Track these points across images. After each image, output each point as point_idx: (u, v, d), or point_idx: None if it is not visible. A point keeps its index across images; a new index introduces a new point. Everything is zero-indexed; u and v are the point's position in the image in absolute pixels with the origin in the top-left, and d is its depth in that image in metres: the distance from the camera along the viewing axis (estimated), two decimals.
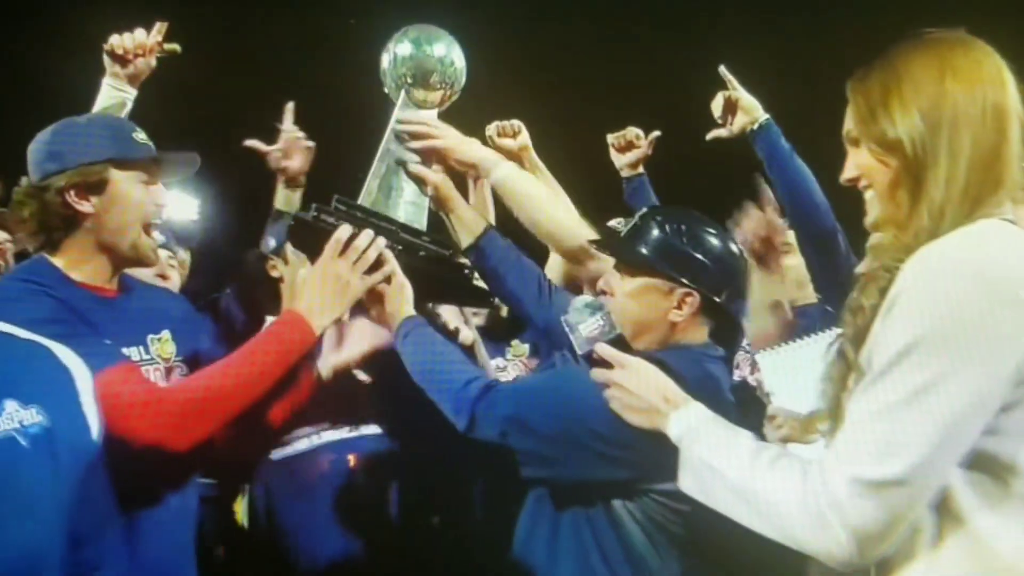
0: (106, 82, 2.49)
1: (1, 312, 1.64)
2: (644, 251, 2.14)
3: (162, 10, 2.66)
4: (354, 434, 2.86)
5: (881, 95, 1.53)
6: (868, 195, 1.59)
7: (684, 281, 2.10)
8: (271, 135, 2.81)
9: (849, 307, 1.53)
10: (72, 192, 2.02)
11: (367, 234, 2.21)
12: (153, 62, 2.52)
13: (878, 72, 1.55)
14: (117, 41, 2.48)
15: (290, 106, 2.82)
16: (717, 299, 2.11)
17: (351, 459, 2.81)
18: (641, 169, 3.28)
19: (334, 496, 2.75)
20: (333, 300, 2.15)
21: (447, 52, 2.55)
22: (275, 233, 2.68)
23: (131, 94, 2.49)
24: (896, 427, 1.40)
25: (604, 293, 2.18)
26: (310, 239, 2.24)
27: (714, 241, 2.15)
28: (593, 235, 2.49)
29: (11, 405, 1.45)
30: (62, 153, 2.03)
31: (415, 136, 2.46)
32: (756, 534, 1.57)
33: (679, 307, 2.11)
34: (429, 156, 2.47)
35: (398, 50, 2.53)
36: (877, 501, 1.41)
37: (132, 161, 2.07)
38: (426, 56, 2.51)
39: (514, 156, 2.83)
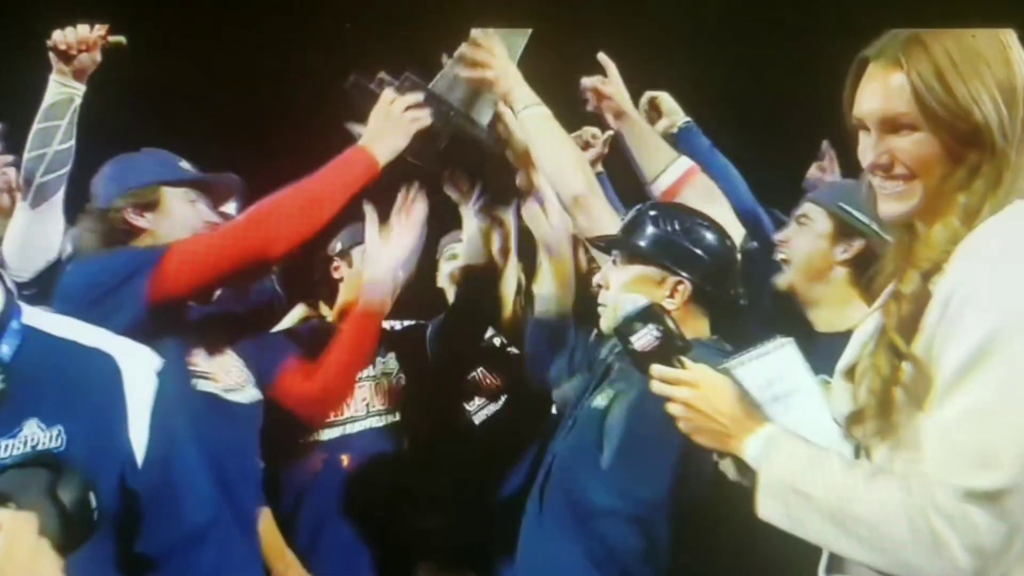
0: (53, 79, 2.57)
1: (99, 319, 1.79)
2: (639, 243, 2.21)
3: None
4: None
5: (953, 73, 1.38)
6: (900, 187, 1.44)
7: (674, 269, 2.16)
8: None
9: (890, 294, 1.46)
10: (130, 210, 2.35)
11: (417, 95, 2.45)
12: (98, 56, 2.57)
13: (938, 46, 1.40)
14: (60, 37, 2.56)
15: None
16: (708, 287, 2.17)
17: (344, 458, 2.82)
18: (600, 168, 3.24)
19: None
20: (391, 132, 2.40)
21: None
22: (343, 237, 2.89)
23: (79, 90, 2.56)
24: (993, 428, 1.32)
25: (600, 287, 2.25)
26: (368, 101, 2.44)
27: (706, 234, 2.22)
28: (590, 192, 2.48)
29: (31, 426, 1.49)
30: (120, 178, 2.39)
31: (474, 63, 2.49)
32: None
33: (671, 295, 2.15)
34: (480, 84, 2.53)
35: None
36: (991, 511, 1.31)
37: (178, 182, 2.40)
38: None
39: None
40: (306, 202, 2.29)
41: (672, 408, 1.63)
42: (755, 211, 2.71)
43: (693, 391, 1.61)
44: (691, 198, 2.44)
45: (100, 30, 2.58)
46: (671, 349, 1.68)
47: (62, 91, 2.54)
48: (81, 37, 2.53)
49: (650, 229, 2.20)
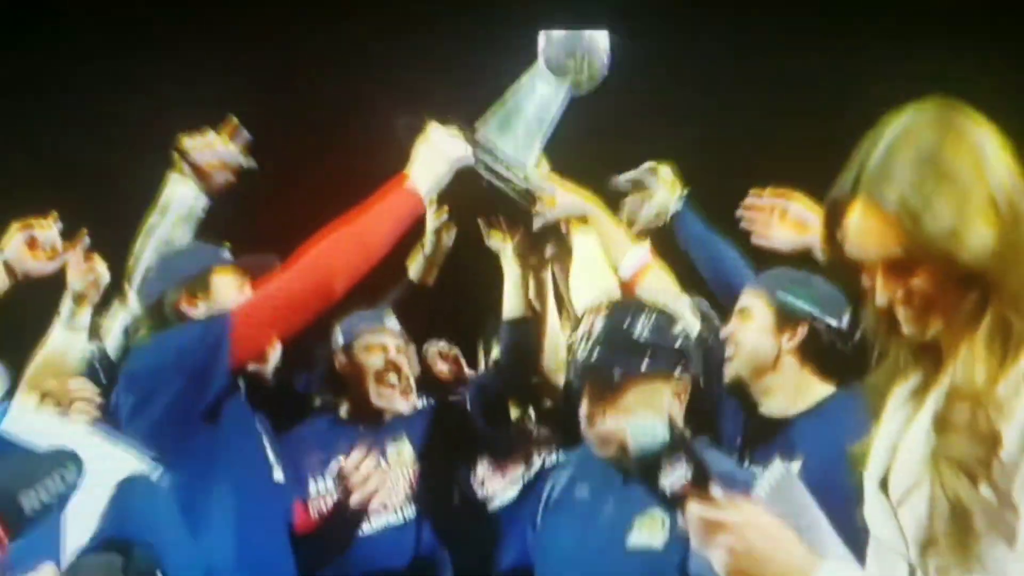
0: (180, 183, 2.62)
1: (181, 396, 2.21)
2: (635, 358, 2.05)
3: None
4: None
5: (922, 204, 1.24)
6: (917, 315, 1.32)
7: (674, 371, 2.07)
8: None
9: (934, 417, 1.29)
10: (184, 300, 2.37)
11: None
12: (232, 177, 2.64)
13: (902, 177, 1.26)
14: (193, 147, 2.61)
15: None
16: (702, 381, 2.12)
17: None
18: None
19: None
20: (435, 165, 2.43)
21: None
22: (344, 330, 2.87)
23: (204, 203, 2.63)
24: None
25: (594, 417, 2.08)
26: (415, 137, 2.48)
27: (678, 324, 2.12)
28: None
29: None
30: (170, 271, 2.44)
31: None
32: None
33: (679, 398, 2.08)
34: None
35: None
36: None
37: (224, 267, 2.43)
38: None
39: None
40: (360, 243, 2.32)
41: (716, 555, 1.37)
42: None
43: (740, 534, 1.35)
44: (647, 290, 2.45)
45: (235, 146, 2.64)
46: (703, 483, 1.41)
47: (189, 203, 2.61)
48: (219, 158, 2.60)
49: (634, 338, 2.07)
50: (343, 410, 2.87)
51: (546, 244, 2.73)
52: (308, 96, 4.35)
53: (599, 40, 2.67)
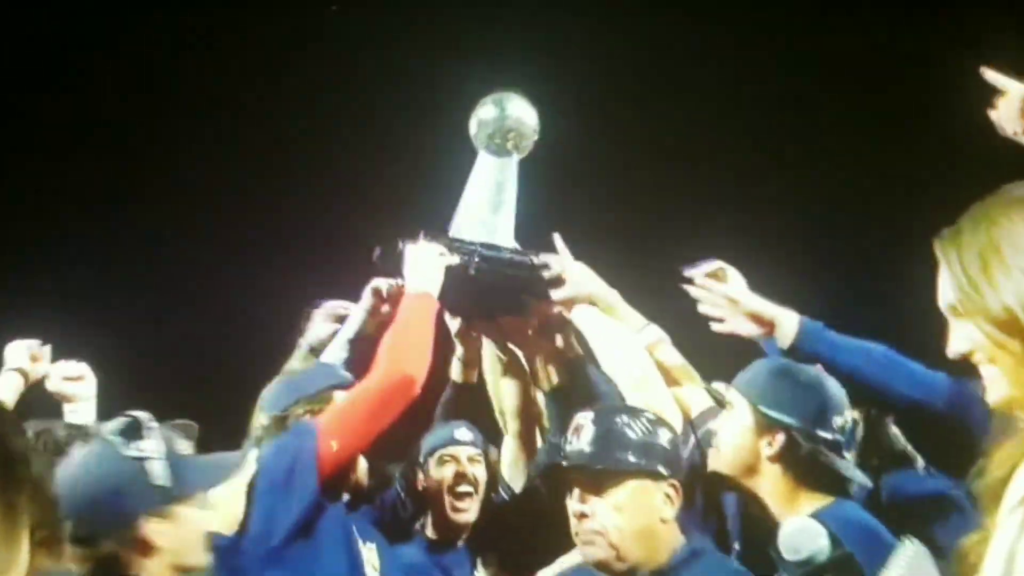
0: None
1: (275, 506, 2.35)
2: (619, 455, 2.10)
3: None
4: None
5: (980, 265, 1.31)
6: (986, 370, 1.36)
7: (662, 473, 2.08)
8: None
9: None
10: (308, 416, 2.43)
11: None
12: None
13: (969, 236, 1.34)
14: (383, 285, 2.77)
15: None
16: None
17: None
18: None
19: None
20: (430, 271, 2.58)
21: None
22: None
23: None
24: None
25: (584, 516, 2.10)
26: (398, 266, 2.65)
27: (661, 426, 2.15)
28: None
29: None
30: (294, 388, 2.53)
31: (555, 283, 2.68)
32: None
33: (670, 502, 2.09)
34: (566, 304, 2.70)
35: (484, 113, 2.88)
36: None
37: (345, 387, 2.52)
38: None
39: None
40: (412, 342, 2.48)
41: None
42: (924, 400, 2.30)
43: None
44: (664, 361, 2.53)
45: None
46: None
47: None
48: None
49: (628, 436, 2.12)
50: (428, 529, 2.92)
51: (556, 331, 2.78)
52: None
53: (520, 107, 2.86)
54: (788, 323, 2.37)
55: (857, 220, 4.31)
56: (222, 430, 2.42)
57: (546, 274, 2.70)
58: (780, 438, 2.18)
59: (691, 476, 2.28)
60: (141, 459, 1.78)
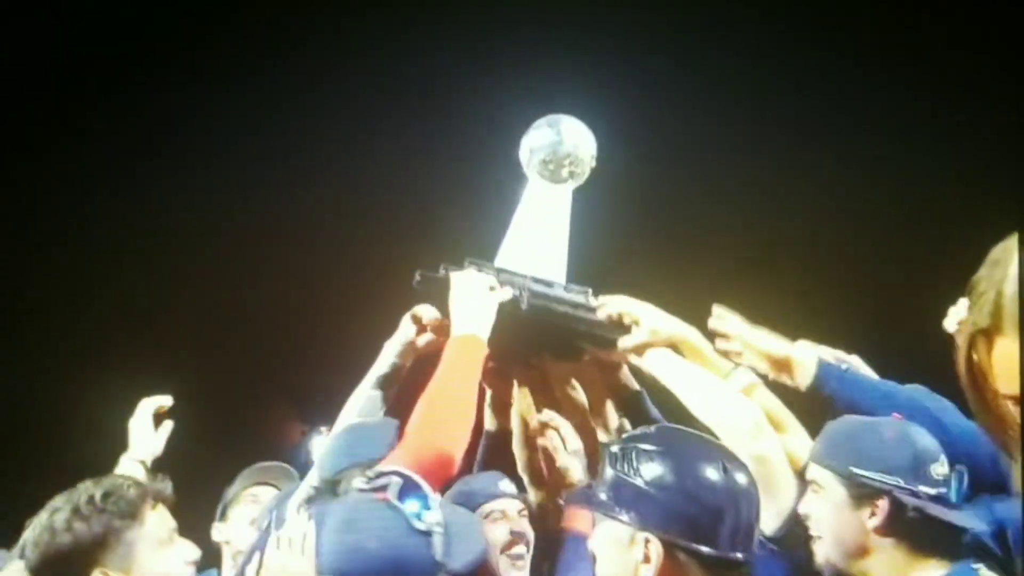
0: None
1: None
2: (598, 493, 1.79)
3: None
4: None
5: None
6: None
7: (637, 522, 1.71)
8: None
9: None
10: (360, 479, 2.19)
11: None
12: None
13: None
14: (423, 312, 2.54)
15: None
16: (686, 543, 1.68)
17: None
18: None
19: None
20: (480, 308, 2.34)
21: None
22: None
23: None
24: None
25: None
26: (439, 291, 2.41)
27: (683, 466, 1.72)
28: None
29: None
30: (349, 451, 2.30)
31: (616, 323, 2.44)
32: None
33: (646, 560, 1.69)
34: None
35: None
36: None
37: None
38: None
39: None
40: (454, 405, 2.21)
41: None
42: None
43: None
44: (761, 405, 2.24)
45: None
46: None
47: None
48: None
49: (608, 471, 1.78)
50: None
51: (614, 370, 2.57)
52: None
53: (577, 131, 2.68)
54: (805, 363, 2.25)
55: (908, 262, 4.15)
56: None
57: (603, 314, 2.46)
58: (883, 505, 1.98)
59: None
60: (429, 534, 1.74)
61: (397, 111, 4.34)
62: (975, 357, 1.27)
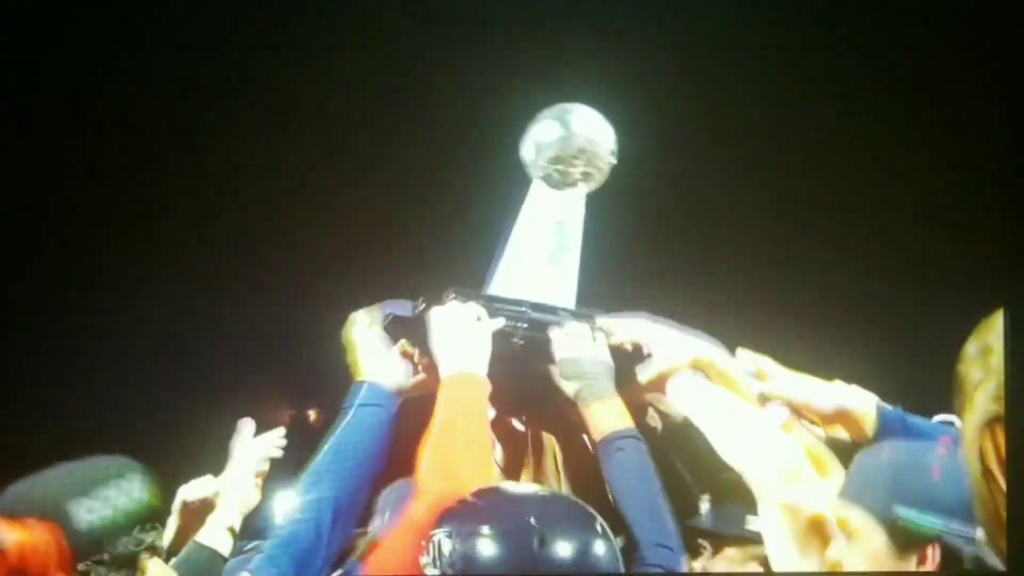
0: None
1: None
2: None
3: None
4: None
5: None
6: None
7: None
8: None
9: None
10: None
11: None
12: None
13: None
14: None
15: None
16: None
17: None
18: None
19: None
20: (473, 342, 2.06)
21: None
22: None
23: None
24: None
25: None
26: (411, 330, 2.13)
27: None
28: None
29: None
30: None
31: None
32: None
33: None
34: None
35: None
36: None
37: None
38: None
39: None
40: (464, 455, 2.01)
41: None
42: None
43: None
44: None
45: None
46: None
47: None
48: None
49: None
50: None
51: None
52: None
53: (592, 122, 2.30)
54: (865, 414, 2.03)
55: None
56: None
57: (613, 342, 2.16)
58: (934, 554, 1.74)
59: None
60: None
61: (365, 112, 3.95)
62: (990, 446, 1.26)
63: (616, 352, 2.14)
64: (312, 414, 4.26)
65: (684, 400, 2.10)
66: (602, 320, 2.19)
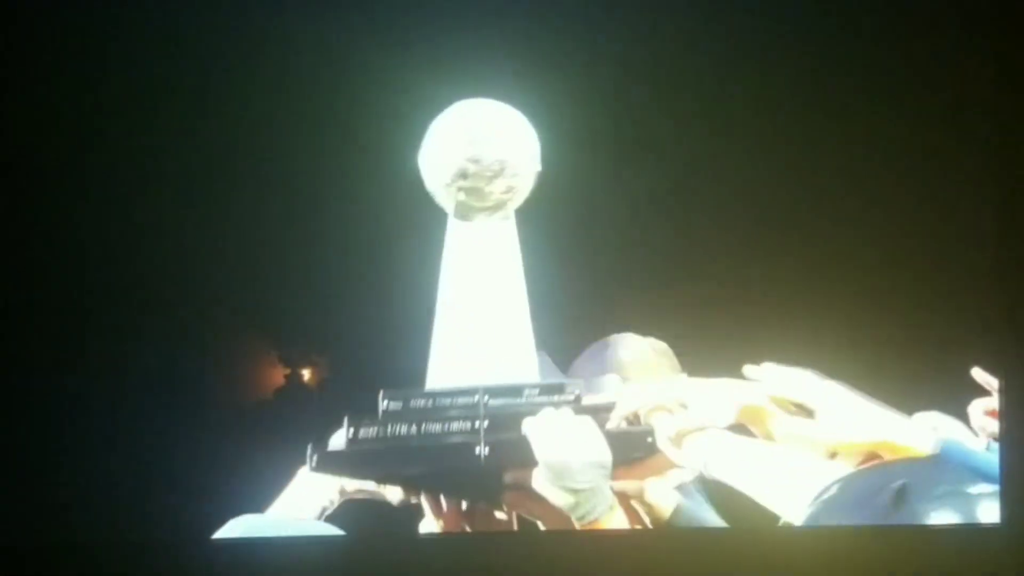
0: None
1: None
2: None
3: None
4: None
5: None
6: None
7: None
8: None
9: None
10: None
11: None
12: None
13: None
14: None
15: None
16: None
17: None
18: None
19: None
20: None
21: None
22: None
23: None
24: None
25: None
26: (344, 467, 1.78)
27: None
28: None
29: None
30: None
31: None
32: None
33: None
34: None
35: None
36: None
37: None
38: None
39: None
40: None
41: None
42: None
43: None
44: None
45: None
46: None
47: None
48: None
49: None
50: None
51: None
52: None
53: (505, 122, 1.84)
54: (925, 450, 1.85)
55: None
56: None
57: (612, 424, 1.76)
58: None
59: None
60: None
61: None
62: None
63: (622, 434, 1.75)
64: None
65: (713, 468, 1.70)
66: (582, 394, 1.78)
